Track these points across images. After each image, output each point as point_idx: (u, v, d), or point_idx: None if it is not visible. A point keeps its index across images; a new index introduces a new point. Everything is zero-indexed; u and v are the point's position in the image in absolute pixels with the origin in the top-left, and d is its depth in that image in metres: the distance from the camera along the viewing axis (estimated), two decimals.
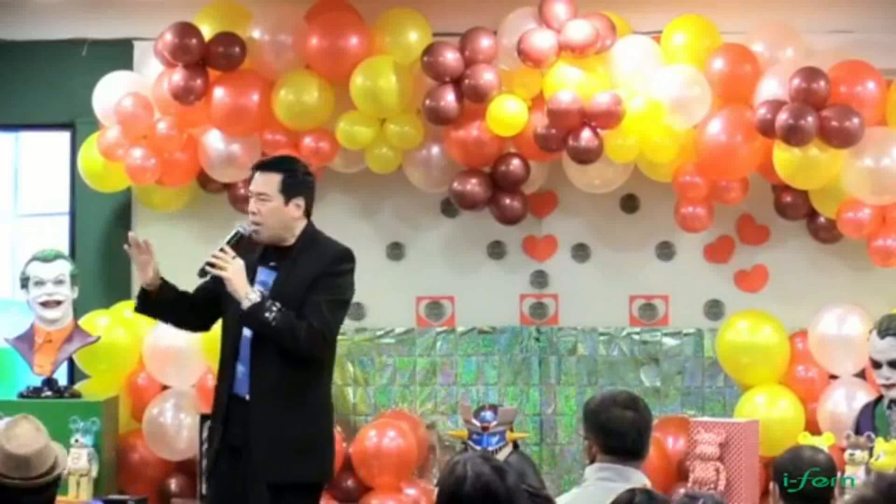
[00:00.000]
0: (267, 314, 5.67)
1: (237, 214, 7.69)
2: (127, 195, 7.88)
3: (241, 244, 5.80)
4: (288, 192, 5.82)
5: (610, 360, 7.74)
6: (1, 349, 7.57)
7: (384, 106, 7.38)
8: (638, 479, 4.58)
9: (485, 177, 7.51)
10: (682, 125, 7.26)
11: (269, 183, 5.84)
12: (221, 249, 5.74)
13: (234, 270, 5.70)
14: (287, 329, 5.68)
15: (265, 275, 5.82)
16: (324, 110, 7.48)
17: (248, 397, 5.77)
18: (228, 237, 5.81)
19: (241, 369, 5.80)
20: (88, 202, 7.93)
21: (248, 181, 6.04)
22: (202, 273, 5.76)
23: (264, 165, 5.97)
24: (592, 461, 4.74)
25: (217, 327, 5.98)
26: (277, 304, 5.68)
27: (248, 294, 5.69)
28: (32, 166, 8.26)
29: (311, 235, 5.90)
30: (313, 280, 5.77)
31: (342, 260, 5.90)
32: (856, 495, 3.70)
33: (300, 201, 5.84)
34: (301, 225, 5.86)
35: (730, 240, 7.75)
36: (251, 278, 5.78)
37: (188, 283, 5.93)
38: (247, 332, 5.79)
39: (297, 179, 5.88)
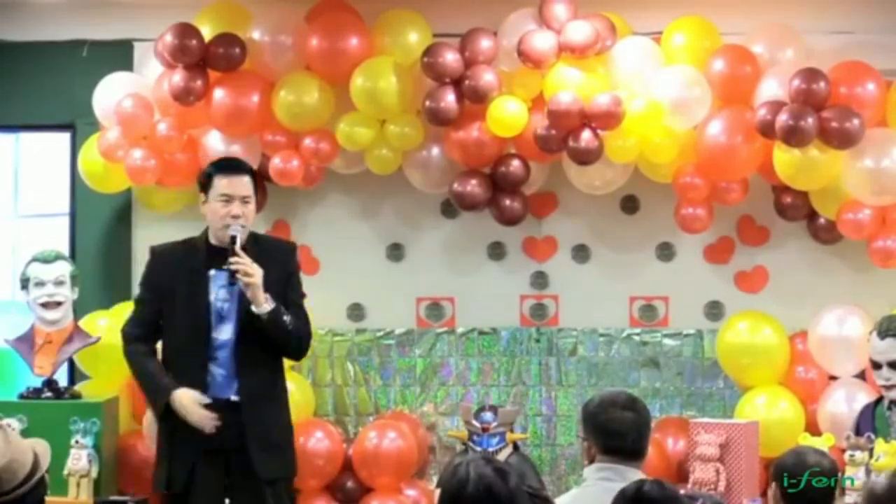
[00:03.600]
0: (286, 317, 5.75)
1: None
2: (127, 196, 7.87)
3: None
4: (256, 192, 5.93)
5: (610, 361, 7.74)
6: (1, 350, 7.55)
7: (384, 107, 7.38)
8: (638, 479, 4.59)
9: (485, 178, 7.50)
10: (683, 126, 7.26)
11: (247, 185, 5.92)
12: (235, 253, 5.74)
13: (259, 276, 5.73)
14: (297, 332, 5.76)
15: (223, 278, 5.81)
16: (324, 111, 7.47)
17: (233, 399, 5.83)
18: (235, 243, 5.79)
19: (220, 372, 5.84)
20: (88, 203, 7.91)
21: (204, 182, 5.99)
22: (231, 281, 5.74)
23: (239, 167, 5.98)
24: (591, 462, 4.75)
25: None
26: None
27: (267, 298, 5.72)
28: (33, 167, 8.25)
29: (252, 235, 5.95)
30: (288, 279, 5.83)
31: (295, 254, 6.07)
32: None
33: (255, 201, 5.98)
34: None
35: (730, 240, 7.75)
36: (205, 284, 5.78)
37: None
38: (222, 335, 5.81)
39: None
